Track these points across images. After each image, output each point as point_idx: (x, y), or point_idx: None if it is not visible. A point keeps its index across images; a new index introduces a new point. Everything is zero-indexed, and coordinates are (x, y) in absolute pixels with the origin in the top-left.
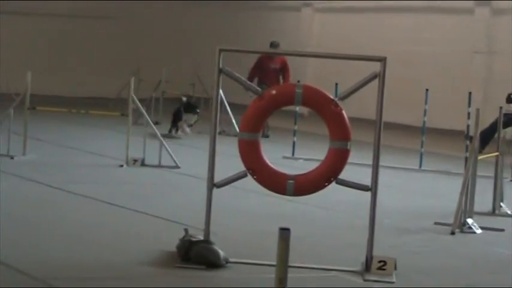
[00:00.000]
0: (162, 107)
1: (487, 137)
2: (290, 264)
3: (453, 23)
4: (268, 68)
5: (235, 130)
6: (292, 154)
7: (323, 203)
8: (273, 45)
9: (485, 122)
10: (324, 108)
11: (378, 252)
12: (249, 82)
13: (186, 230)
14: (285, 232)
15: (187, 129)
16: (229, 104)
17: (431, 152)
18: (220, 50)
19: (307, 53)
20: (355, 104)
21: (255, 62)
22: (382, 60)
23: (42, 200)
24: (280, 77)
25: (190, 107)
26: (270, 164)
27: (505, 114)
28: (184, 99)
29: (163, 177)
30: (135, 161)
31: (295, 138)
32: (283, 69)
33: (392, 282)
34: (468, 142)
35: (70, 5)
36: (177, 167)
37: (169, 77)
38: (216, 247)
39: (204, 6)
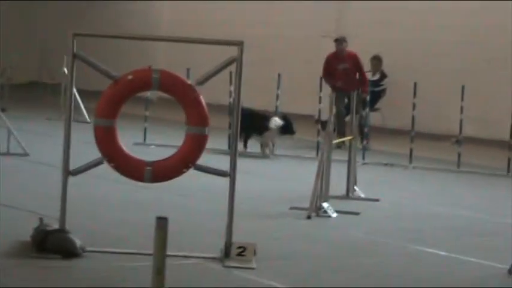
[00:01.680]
0: (9, 93)
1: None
2: (146, 252)
3: (302, 7)
4: (336, 70)
5: (85, 117)
6: (144, 140)
7: (180, 189)
8: (339, 41)
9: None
10: (181, 94)
11: (237, 238)
12: (102, 67)
13: (40, 219)
14: (162, 221)
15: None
16: (80, 91)
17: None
18: (74, 35)
19: (166, 38)
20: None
21: (323, 64)
22: (240, 44)
23: None
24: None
25: (288, 127)
26: (126, 151)
27: None
28: (275, 122)
29: (13, 165)
30: None
31: (146, 124)
32: (357, 67)
33: (253, 268)
34: (320, 126)
35: None
36: (26, 154)
37: (15, 63)
38: (72, 236)
39: None
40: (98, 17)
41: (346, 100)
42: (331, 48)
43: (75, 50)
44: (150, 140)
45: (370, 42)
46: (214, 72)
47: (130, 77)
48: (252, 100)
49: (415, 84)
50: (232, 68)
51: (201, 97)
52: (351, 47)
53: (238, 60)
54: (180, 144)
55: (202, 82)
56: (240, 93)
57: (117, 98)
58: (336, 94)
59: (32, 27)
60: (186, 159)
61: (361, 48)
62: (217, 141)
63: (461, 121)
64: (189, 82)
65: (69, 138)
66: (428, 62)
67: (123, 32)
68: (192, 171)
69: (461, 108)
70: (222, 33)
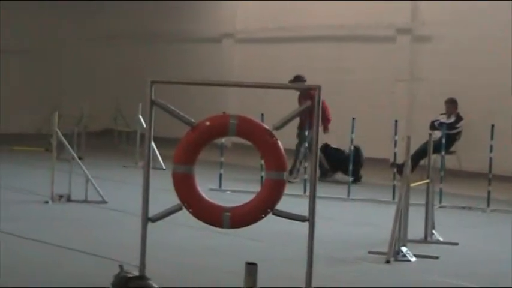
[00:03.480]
0: (85, 141)
1: (413, 164)
2: None
3: (376, 51)
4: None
5: (161, 164)
6: (220, 186)
7: (257, 234)
8: (299, 79)
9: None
10: (259, 139)
11: (316, 284)
12: (181, 113)
13: (121, 267)
14: (252, 267)
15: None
16: (155, 138)
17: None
18: (152, 82)
19: (242, 83)
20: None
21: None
22: (317, 88)
23: None
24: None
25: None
26: (205, 196)
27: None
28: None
29: (91, 212)
30: (61, 196)
31: (221, 170)
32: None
33: None
34: (395, 170)
35: None
36: (104, 201)
37: (91, 111)
38: (152, 283)
39: (124, 39)
40: (166, 61)
41: None
42: (405, 92)
43: (152, 97)
44: (225, 186)
45: (444, 85)
46: (291, 117)
47: (208, 123)
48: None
49: (492, 126)
50: None
51: (279, 142)
52: (425, 90)
53: (316, 105)
54: (254, 189)
55: (279, 127)
56: (317, 138)
57: (195, 144)
58: None
59: (105, 75)
60: (264, 205)
61: (435, 91)
62: (291, 185)
63: None
64: (266, 127)
65: (148, 184)
66: (504, 104)
67: (196, 78)
68: (268, 216)
69: None
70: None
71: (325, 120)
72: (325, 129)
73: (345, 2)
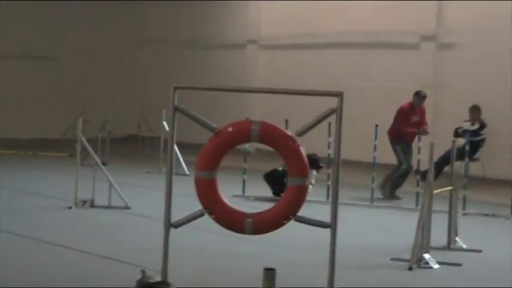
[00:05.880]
0: (109, 147)
1: (437, 171)
2: None
3: (400, 58)
4: (410, 122)
5: (184, 169)
6: (243, 192)
7: (280, 240)
8: (419, 95)
9: (434, 157)
10: (281, 145)
11: None
12: (203, 119)
13: (143, 272)
14: (270, 272)
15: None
16: (178, 144)
17: None
18: (175, 88)
19: (266, 89)
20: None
21: (400, 114)
22: (339, 95)
23: None
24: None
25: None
26: (227, 202)
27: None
28: None
29: (114, 218)
30: (84, 202)
31: (245, 176)
32: (423, 121)
33: None
34: (419, 177)
35: (12, 45)
36: (127, 207)
37: (115, 117)
38: None
39: (147, 45)
40: (191, 67)
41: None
42: (429, 98)
43: (175, 103)
44: (249, 192)
45: (468, 92)
46: (314, 124)
47: (230, 129)
48: (349, 151)
49: None
50: (331, 119)
51: (301, 148)
52: (449, 97)
53: (338, 111)
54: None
55: (302, 133)
56: (340, 144)
57: (217, 150)
58: (407, 147)
59: (130, 80)
60: (287, 211)
61: (459, 98)
62: (314, 191)
63: None
64: (288, 133)
65: (170, 190)
66: None
67: (221, 83)
68: (291, 222)
69: None
70: (316, 85)
71: (425, 124)
72: (425, 132)
73: (370, 8)
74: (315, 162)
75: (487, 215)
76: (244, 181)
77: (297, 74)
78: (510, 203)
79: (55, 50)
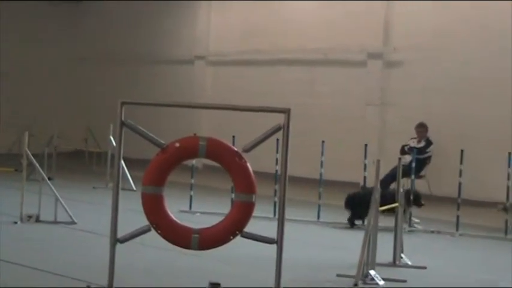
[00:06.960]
0: (55, 162)
1: (383, 188)
2: None
3: (347, 75)
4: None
5: (131, 185)
6: (190, 208)
7: (226, 256)
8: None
9: (380, 174)
10: (228, 161)
11: None
12: (150, 134)
13: (88, 287)
14: (215, 286)
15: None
16: (124, 159)
17: (329, 204)
18: (122, 103)
19: (213, 105)
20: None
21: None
22: (286, 112)
23: None
24: None
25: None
26: (174, 218)
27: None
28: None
29: (60, 233)
30: (30, 217)
31: (192, 192)
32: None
33: None
34: None
35: None
36: (73, 222)
37: (62, 132)
38: None
39: (94, 61)
40: (138, 82)
41: None
42: (375, 116)
43: (123, 118)
44: (196, 208)
45: (414, 110)
46: (261, 140)
47: (177, 144)
48: (296, 168)
49: (461, 151)
50: (278, 135)
51: (248, 164)
52: (395, 114)
53: (285, 128)
54: (224, 211)
55: (249, 149)
56: (287, 161)
57: (164, 166)
58: None
59: (77, 95)
60: (233, 227)
61: (406, 116)
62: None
63: (508, 188)
64: (235, 149)
65: (117, 205)
66: (473, 129)
67: (168, 99)
68: (237, 238)
69: (508, 175)
70: (264, 101)
71: None
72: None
73: (318, 26)
74: (416, 198)
75: (432, 231)
76: (191, 197)
77: (245, 90)
78: (455, 220)
79: None
